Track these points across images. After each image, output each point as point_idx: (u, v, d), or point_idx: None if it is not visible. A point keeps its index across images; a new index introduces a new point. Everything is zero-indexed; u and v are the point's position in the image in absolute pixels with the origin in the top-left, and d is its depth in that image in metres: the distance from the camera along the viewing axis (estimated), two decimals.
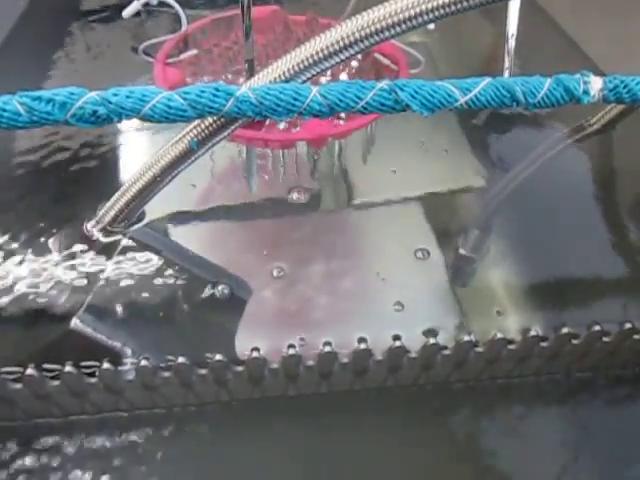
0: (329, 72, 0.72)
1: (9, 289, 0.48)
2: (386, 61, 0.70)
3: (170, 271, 0.47)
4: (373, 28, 0.37)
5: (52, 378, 0.37)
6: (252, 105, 0.36)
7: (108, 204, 0.43)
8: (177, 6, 0.67)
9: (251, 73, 0.67)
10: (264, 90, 0.36)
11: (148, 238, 0.49)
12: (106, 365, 0.36)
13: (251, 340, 0.46)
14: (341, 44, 0.37)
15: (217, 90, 0.36)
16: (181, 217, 0.60)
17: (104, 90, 0.35)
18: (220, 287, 0.45)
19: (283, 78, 0.39)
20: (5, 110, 0.35)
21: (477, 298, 0.57)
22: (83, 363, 0.38)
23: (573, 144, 0.70)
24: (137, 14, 0.78)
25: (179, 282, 0.47)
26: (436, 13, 0.37)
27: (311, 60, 0.37)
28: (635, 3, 0.73)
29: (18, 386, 0.36)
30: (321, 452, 0.43)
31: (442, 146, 0.73)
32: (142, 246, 0.48)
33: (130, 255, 0.47)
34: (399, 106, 0.37)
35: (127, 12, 0.66)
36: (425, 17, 0.37)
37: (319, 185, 0.67)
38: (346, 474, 0.43)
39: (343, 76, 0.74)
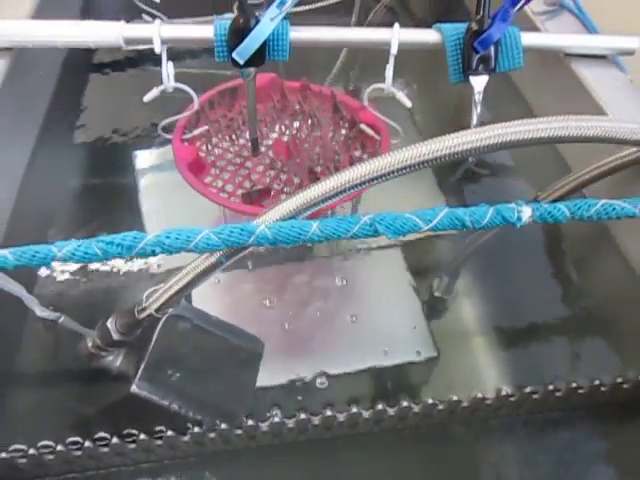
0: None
1: (69, 363, 0.61)
2: (370, 132, 0.81)
3: (208, 341, 0.60)
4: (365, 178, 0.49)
5: (129, 442, 0.50)
6: (268, 239, 0.49)
7: (152, 298, 0.56)
8: (189, 90, 0.77)
9: (255, 149, 0.79)
10: (277, 228, 0.48)
11: (186, 312, 0.61)
12: (170, 433, 0.50)
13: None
14: (338, 190, 0.49)
15: (242, 230, 0.48)
16: None
17: None
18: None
19: (290, 214, 0.51)
20: (87, 253, 0.47)
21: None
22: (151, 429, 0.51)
23: None
24: None
25: (211, 349, 0.60)
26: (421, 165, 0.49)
27: (312, 202, 0.50)
28: None
29: (106, 450, 0.49)
30: None
31: (420, 198, 0.87)
32: (183, 320, 0.60)
33: (173, 329, 0.60)
34: (378, 234, 0.50)
35: (147, 97, 0.76)
36: (415, 167, 0.49)
37: None
38: None
39: (334, 144, 0.84)
